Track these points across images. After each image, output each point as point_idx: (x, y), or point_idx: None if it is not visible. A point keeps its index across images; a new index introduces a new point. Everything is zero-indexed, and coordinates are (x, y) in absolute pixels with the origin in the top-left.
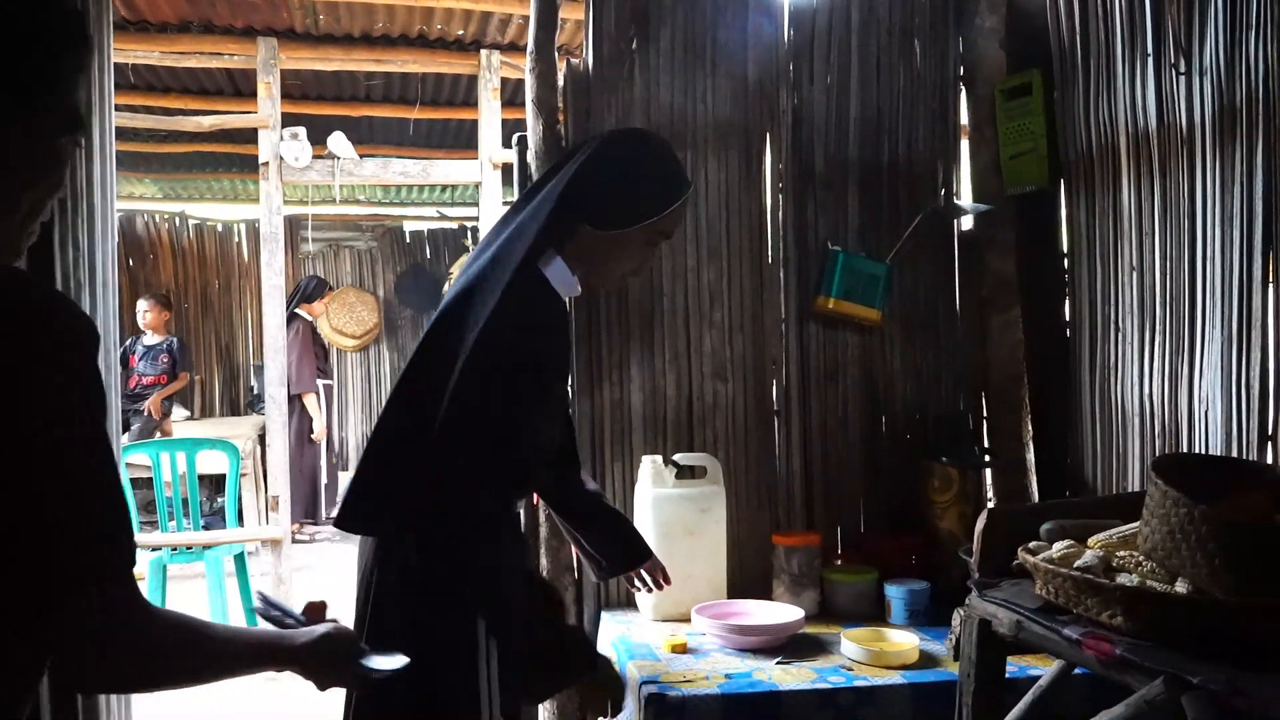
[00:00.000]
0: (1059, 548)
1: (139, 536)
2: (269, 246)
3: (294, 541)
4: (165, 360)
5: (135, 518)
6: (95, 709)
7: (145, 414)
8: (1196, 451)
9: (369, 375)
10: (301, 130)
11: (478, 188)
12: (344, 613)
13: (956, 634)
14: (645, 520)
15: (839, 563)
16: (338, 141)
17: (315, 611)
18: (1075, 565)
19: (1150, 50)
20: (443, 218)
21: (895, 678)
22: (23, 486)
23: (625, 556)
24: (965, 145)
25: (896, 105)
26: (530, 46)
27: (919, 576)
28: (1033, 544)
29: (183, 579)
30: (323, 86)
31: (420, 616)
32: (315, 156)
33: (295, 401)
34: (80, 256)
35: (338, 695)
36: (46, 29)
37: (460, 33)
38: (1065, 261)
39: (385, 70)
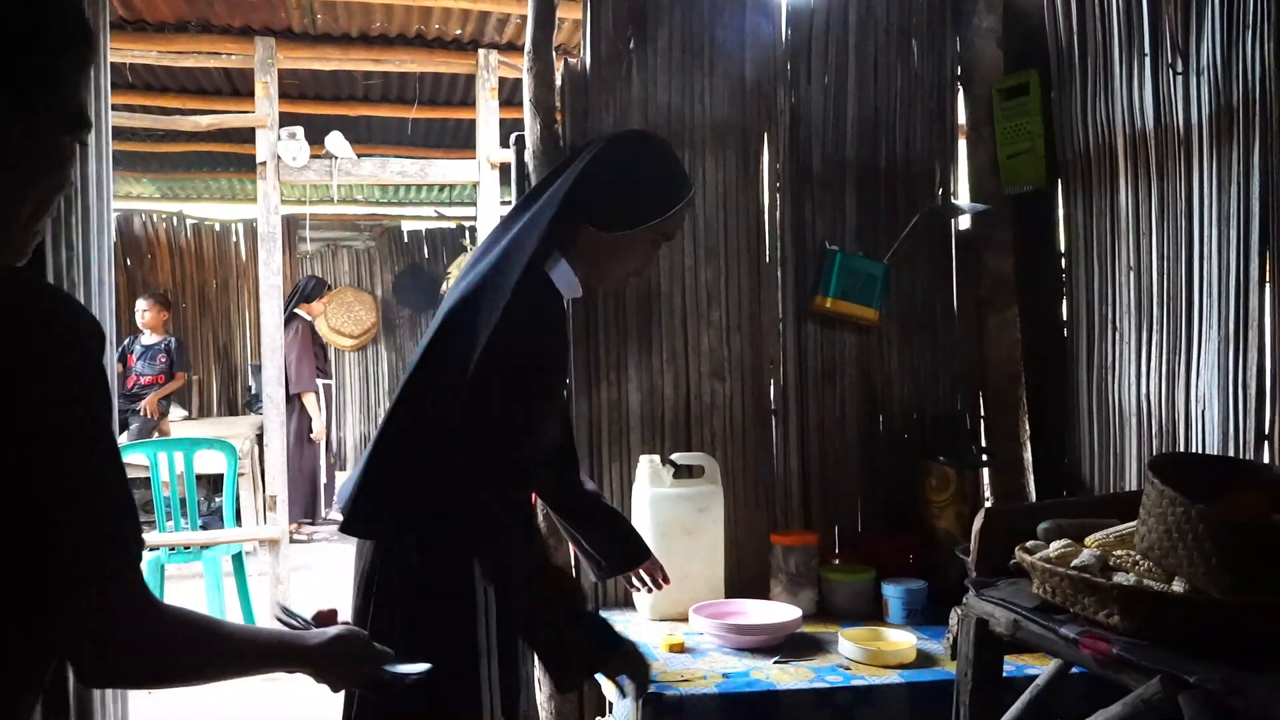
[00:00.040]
0: (1056, 547)
1: None
2: (267, 246)
3: (292, 541)
4: (163, 360)
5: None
6: (89, 709)
7: (142, 414)
8: (1193, 451)
9: (367, 375)
10: (299, 130)
11: (475, 187)
12: (342, 613)
13: (954, 633)
14: (643, 520)
15: (836, 562)
16: (335, 141)
17: (326, 620)
18: (1072, 564)
19: (1147, 50)
20: (441, 217)
21: (893, 677)
22: (24, 486)
23: (624, 556)
24: (963, 145)
25: (894, 105)
26: (528, 46)
27: (916, 576)
28: (1030, 543)
29: (180, 579)
30: (320, 86)
31: (420, 616)
32: (313, 156)
33: (295, 401)
34: (74, 257)
35: (336, 696)
36: (46, 27)
37: (458, 32)
38: (1062, 261)
39: (383, 70)
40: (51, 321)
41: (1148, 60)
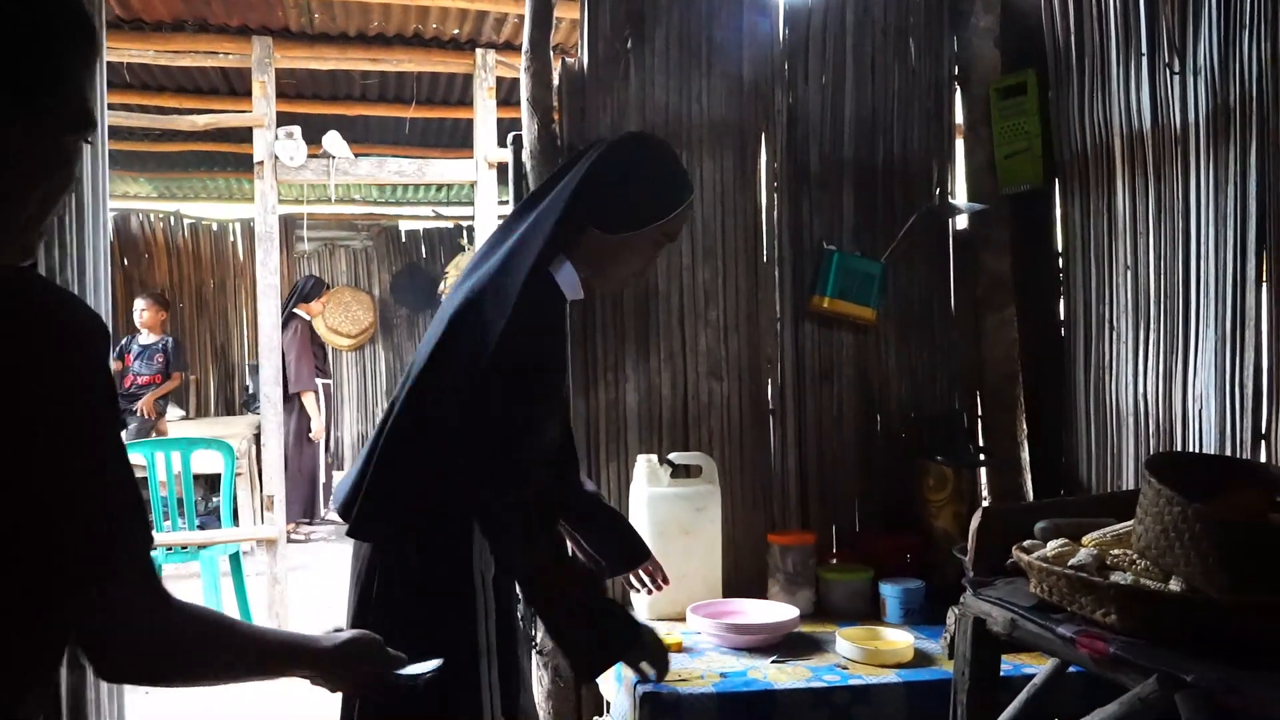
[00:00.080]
0: (1053, 546)
1: None
2: (264, 246)
3: (289, 541)
4: (160, 360)
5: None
6: (83, 709)
7: (139, 414)
8: (1190, 450)
9: (364, 375)
10: (296, 129)
11: (473, 187)
12: (339, 613)
13: (951, 632)
14: (640, 519)
15: (834, 561)
16: (333, 140)
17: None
18: (1069, 564)
19: (1145, 50)
20: (438, 217)
21: (890, 676)
22: (26, 485)
23: (624, 556)
24: (960, 145)
25: (891, 105)
26: (525, 46)
27: (914, 575)
28: (1027, 542)
29: (177, 579)
30: (318, 85)
31: (420, 616)
32: (310, 155)
33: (294, 400)
34: (67, 257)
35: (335, 697)
36: (47, 24)
37: (455, 32)
38: (1060, 261)
39: (380, 69)
40: (57, 320)
41: (1145, 60)
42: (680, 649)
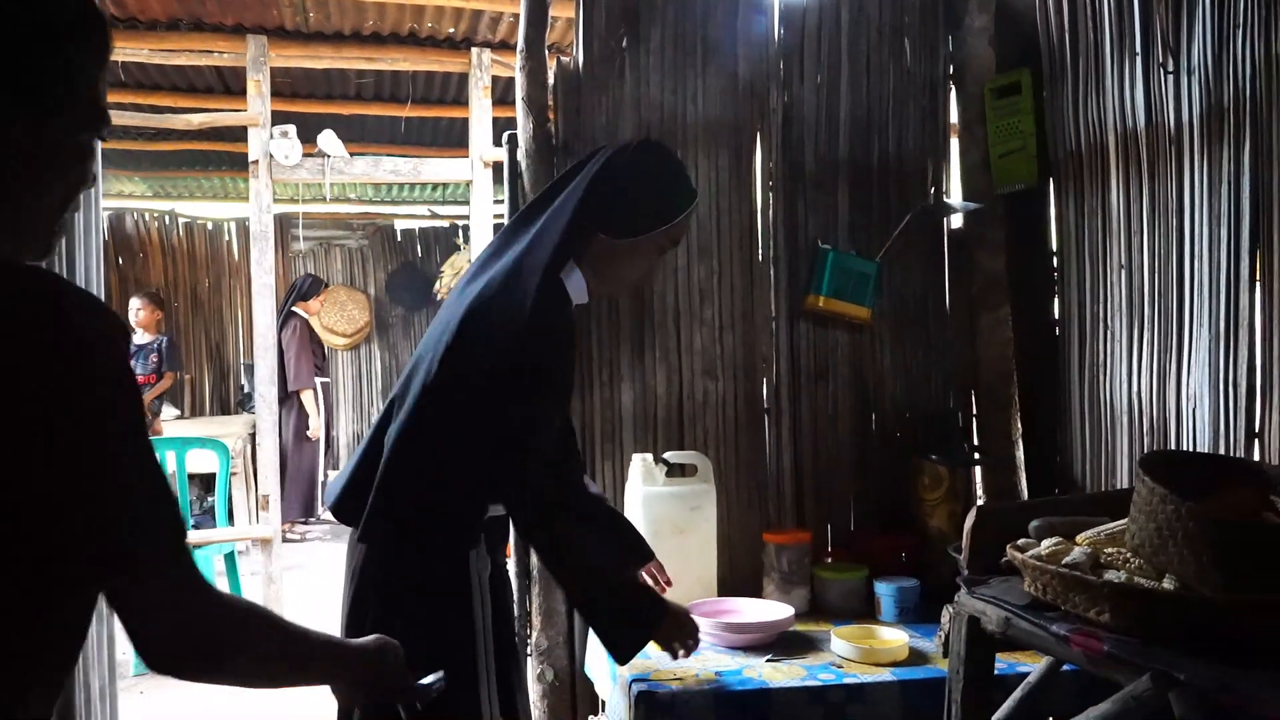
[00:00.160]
0: (1047, 545)
1: None
2: (259, 245)
3: (284, 541)
4: (155, 360)
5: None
6: (71, 710)
7: None
8: (1184, 449)
9: (360, 374)
10: (291, 128)
11: (469, 186)
12: (335, 613)
13: (946, 631)
14: (636, 518)
15: (829, 560)
16: (328, 139)
17: None
18: (1063, 562)
19: (1139, 50)
20: (434, 216)
21: (885, 675)
22: (26, 486)
23: (627, 558)
24: (955, 144)
25: (886, 104)
26: (520, 45)
27: (909, 574)
28: (1021, 541)
29: None
30: (313, 84)
31: (421, 616)
32: (305, 154)
33: (293, 398)
34: (60, 256)
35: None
36: (55, 22)
37: (451, 31)
38: (1054, 260)
39: (376, 68)
40: (74, 319)
41: (1139, 60)
42: None
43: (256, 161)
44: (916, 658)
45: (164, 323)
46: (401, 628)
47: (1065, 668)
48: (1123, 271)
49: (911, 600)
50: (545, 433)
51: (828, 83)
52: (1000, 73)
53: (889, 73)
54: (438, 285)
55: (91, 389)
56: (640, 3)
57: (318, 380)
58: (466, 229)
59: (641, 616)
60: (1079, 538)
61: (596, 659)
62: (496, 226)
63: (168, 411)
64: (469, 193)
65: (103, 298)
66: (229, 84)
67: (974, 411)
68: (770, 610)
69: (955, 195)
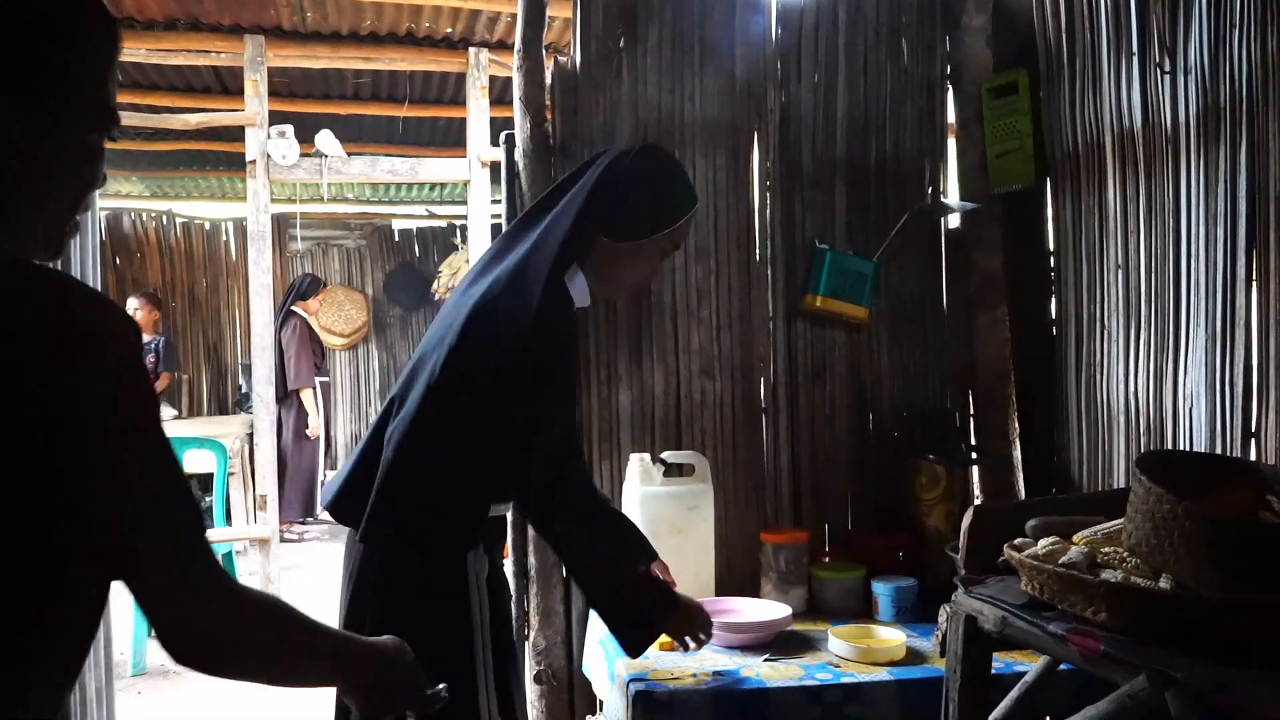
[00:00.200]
0: (1044, 544)
1: None
2: (256, 245)
3: (282, 541)
4: (152, 360)
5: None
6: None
7: None
8: (1181, 448)
9: (358, 374)
10: (289, 128)
11: (466, 186)
12: (333, 613)
13: (943, 630)
14: (633, 518)
15: (827, 560)
16: (325, 139)
17: None
18: (1060, 561)
19: (1135, 50)
20: (432, 216)
21: (882, 674)
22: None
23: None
24: (952, 144)
25: (884, 104)
26: (518, 44)
27: (906, 574)
28: (1018, 540)
29: None
30: (310, 84)
31: (420, 617)
32: (303, 154)
33: (293, 397)
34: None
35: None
36: (62, 21)
37: (448, 30)
38: (1051, 260)
39: (373, 68)
40: (87, 316)
41: (1136, 60)
42: (673, 647)
43: (254, 161)
44: (914, 657)
45: (161, 323)
46: (400, 628)
47: (1062, 667)
48: (1119, 271)
49: (909, 600)
50: (548, 433)
51: (825, 82)
52: (997, 73)
53: (886, 73)
54: (435, 285)
55: (98, 386)
56: (637, 3)
57: (317, 380)
58: (464, 229)
59: (651, 609)
60: (1076, 537)
61: (594, 658)
62: (494, 226)
63: (165, 412)
64: (466, 193)
65: None
66: (226, 84)
67: (971, 411)
68: (768, 610)
69: (952, 195)
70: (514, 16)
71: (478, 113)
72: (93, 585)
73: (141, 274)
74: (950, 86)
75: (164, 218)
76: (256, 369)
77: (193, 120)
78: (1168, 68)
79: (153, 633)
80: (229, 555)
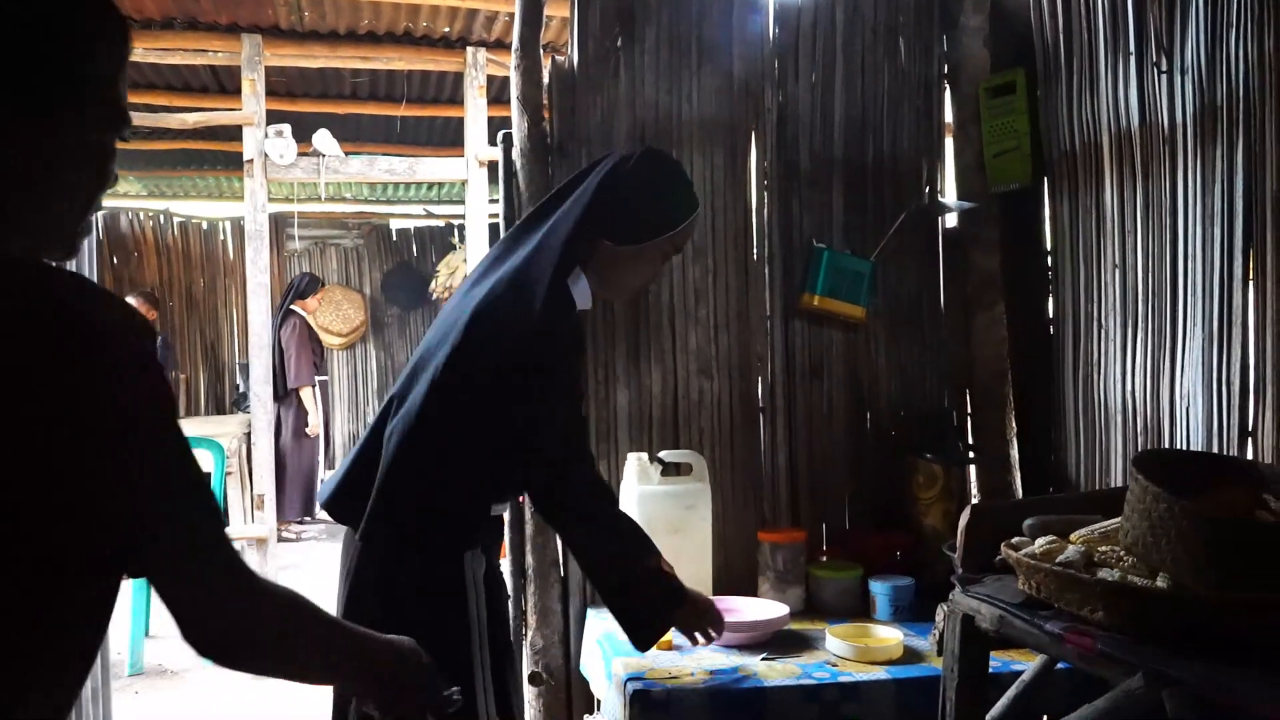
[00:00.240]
0: (1041, 543)
1: None
2: (254, 244)
3: (280, 540)
4: None
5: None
6: None
7: None
8: (1178, 448)
9: (355, 373)
10: (286, 127)
11: (464, 185)
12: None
13: (940, 629)
14: (631, 517)
15: (824, 559)
16: (323, 139)
17: None
18: (1057, 561)
19: (1133, 49)
20: (429, 215)
21: (879, 673)
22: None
23: None
24: (949, 143)
25: (881, 103)
26: (515, 44)
27: (904, 573)
28: (1015, 539)
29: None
30: (308, 84)
31: (420, 616)
32: (300, 154)
33: (292, 396)
34: None
35: (327, 697)
36: (75, 22)
37: (446, 30)
38: (1049, 259)
39: (371, 67)
40: (97, 316)
41: (1133, 59)
42: (670, 646)
43: (251, 161)
44: (911, 656)
45: (159, 323)
46: (397, 627)
47: (1059, 666)
48: (1117, 271)
49: (906, 599)
50: (548, 434)
51: (823, 82)
52: (995, 72)
53: (884, 72)
54: (433, 285)
55: (105, 385)
56: (635, 2)
57: (316, 379)
58: (462, 228)
59: (658, 604)
60: (1073, 536)
61: (592, 658)
62: (492, 226)
63: None
64: (464, 192)
65: None
66: (224, 83)
67: (969, 410)
68: (765, 609)
69: (950, 194)
70: (512, 16)
71: (475, 112)
72: (95, 586)
73: (139, 273)
74: (948, 86)
75: (161, 217)
76: (254, 368)
77: (190, 119)
78: (1165, 68)
79: (150, 632)
80: None
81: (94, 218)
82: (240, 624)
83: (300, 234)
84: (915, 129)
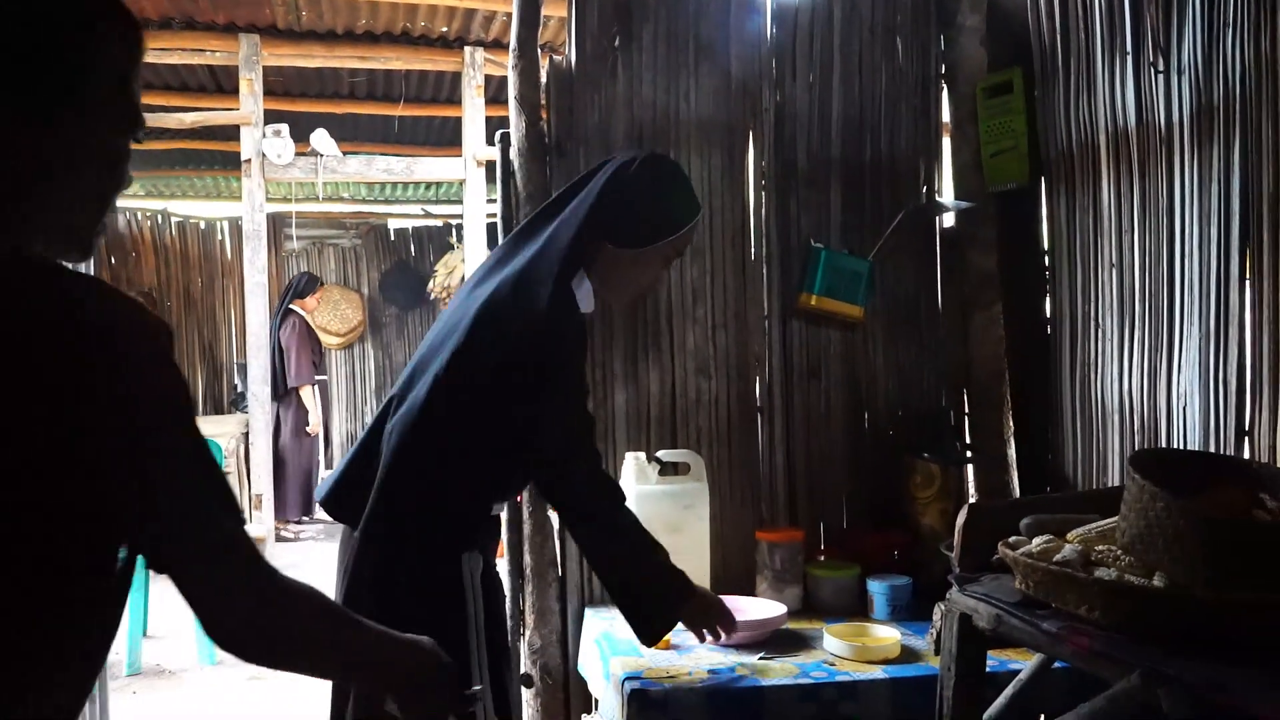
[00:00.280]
0: (1038, 542)
1: None
2: (252, 244)
3: (278, 540)
4: None
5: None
6: None
7: None
8: (1175, 447)
9: (353, 373)
10: (284, 127)
11: (462, 185)
12: None
13: (937, 629)
14: None
15: (822, 558)
16: (321, 138)
17: None
18: (1054, 560)
19: (1129, 49)
20: (427, 215)
21: (877, 672)
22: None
23: None
24: (947, 143)
25: (879, 103)
26: (513, 43)
27: (901, 572)
28: (1013, 539)
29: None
30: (306, 83)
31: (420, 616)
32: (298, 153)
33: (292, 395)
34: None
35: (325, 697)
36: (92, 24)
37: (444, 30)
38: (1046, 259)
39: (369, 67)
40: (114, 318)
41: (1130, 59)
42: (668, 646)
43: (249, 160)
44: (908, 655)
45: None
46: (395, 626)
47: (1056, 665)
48: (1114, 270)
49: (904, 598)
50: (549, 435)
51: (820, 81)
52: (992, 72)
53: (881, 72)
54: (431, 285)
55: (122, 385)
56: (632, 2)
57: (316, 377)
58: (460, 228)
59: (665, 599)
60: (1070, 535)
61: (589, 657)
62: (490, 225)
63: None
64: (462, 192)
65: None
66: (221, 83)
67: (966, 410)
68: (763, 608)
69: (947, 194)
70: (509, 15)
71: (473, 112)
72: (96, 585)
73: (136, 273)
74: (945, 86)
75: (159, 217)
76: (252, 368)
77: (188, 119)
78: (1161, 67)
79: (148, 632)
80: None
81: (108, 219)
82: (260, 619)
83: (298, 234)
84: (913, 129)
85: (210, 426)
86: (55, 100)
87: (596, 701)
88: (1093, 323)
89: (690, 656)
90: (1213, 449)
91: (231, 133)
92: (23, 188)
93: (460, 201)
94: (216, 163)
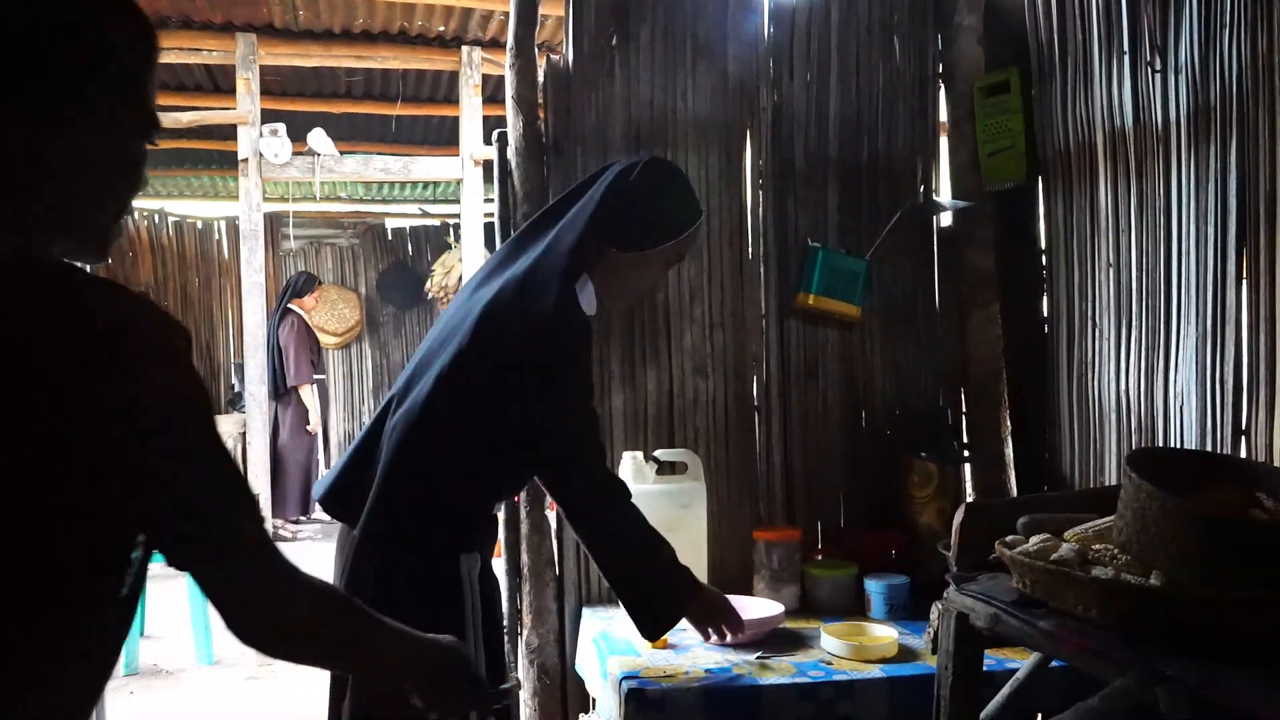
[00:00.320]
0: (1035, 541)
1: None
2: (249, 244)
3: (276, 539)
4: None
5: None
6: None
7: None
8: (1171, 446)
9: (351, 373)
10: (281, 126)
11: (459, 184)
12: None
13: (935, 628)
14: None
15: (819, 558)
16: (318, 138)
17: None
18: (1051, 559)
19: (1126, 49)
20: (425, 215)
21: (874, 671)
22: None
23: None
24: (944, 142)
25: (876, 102)
26: (510, 43)
27: (898, 571)
28: (1010, 538)
29: (164, 578)
30: (303, 83)
31: (420, 615)
32: (295, 153)
33: (292, 394)
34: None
35: (323, 697)
36: (109, 29)
37: (441, 29)
38: (1043, 258)
39: (366, 66)
40: (128, 321)
41: (1127, 59)
42: (665, 645)
43: (246, 160)
44: (906, 654)
45: None
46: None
47: (1053, 664)
48: (1111, 269)
49: (901, 597)
50: (549, 435)
51: (817, 81)
52: (989, 71)
53: (878, 71)
54: (428, 284)
55: (139, 386)
56: (630, 1)
57: (315, 376)
58: (457, 227)
59: (670, 596)
60: (1067, 534)
61: (587, 656)
62: (487, 225)
63: None
64: (459, 191)
65: None
66: (218, 82)
67: (963, 409)
68: (760, 607)
69: (945, 193)
70: (506, 15)
71: (470, 111)
72: (98, 586)
73: (134, 273)
74: (942, 85)
75: (156, 216)
76: (249, 368)
77: (184, 118)
78: (1158, 66)
79: (145, 632)
80: None
81: (125, 221)
82: (281, 614)
83: (295, 233)
84: (910, 128)
85: None
86: (64, 100)
87: (594, 701)
88: (1090, 322)
89: (688, 656)
90: (1209, 448)
91: (228, 132)
92: (32, 187)
93: (458, 201)
94: (214, 162)
